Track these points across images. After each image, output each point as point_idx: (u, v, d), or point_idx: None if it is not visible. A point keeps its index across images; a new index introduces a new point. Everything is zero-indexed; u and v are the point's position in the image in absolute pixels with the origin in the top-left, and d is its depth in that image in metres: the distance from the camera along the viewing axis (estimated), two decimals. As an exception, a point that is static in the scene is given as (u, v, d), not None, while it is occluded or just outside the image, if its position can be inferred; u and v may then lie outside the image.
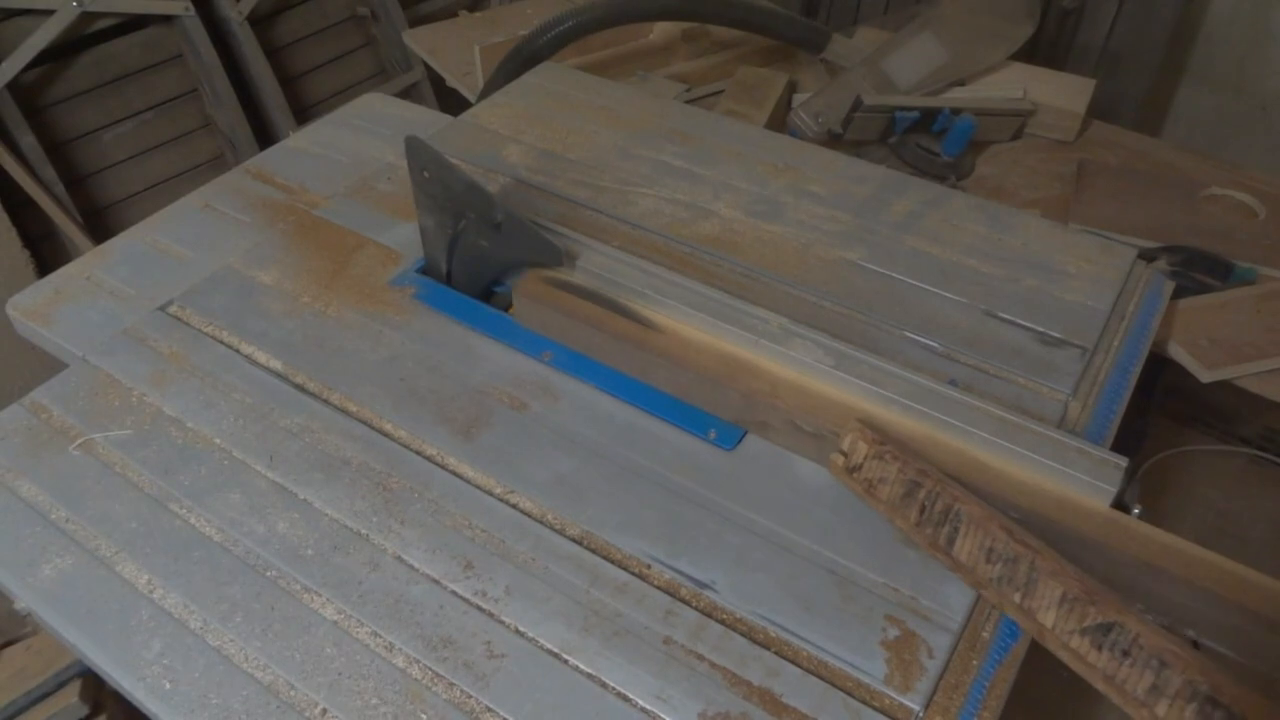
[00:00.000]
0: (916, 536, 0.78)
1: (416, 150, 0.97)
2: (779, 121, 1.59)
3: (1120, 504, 0.80)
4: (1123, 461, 0.81)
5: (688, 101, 1.62)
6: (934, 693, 0.72)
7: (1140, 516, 0.83)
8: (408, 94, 2.49)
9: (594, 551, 0.80)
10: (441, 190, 0.98)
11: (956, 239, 1.13)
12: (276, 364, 0.96)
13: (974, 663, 0.74)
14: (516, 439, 0.89)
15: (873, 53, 1.61)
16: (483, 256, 1.01)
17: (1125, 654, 0.66)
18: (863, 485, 0.81)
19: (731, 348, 0.93)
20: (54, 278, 1.10)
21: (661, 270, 0.99)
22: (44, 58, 1.94)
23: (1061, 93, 1.61)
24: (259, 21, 2.27)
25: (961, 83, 1.63)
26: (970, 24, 1.64)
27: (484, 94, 1.51)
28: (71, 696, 1.28)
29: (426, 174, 0.98)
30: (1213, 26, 2.34)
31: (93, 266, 1.11)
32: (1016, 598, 0.72)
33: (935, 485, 0.77)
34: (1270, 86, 2.32)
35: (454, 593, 0.77)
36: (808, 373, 0.90)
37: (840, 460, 0.83)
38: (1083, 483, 0.80)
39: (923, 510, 0.77)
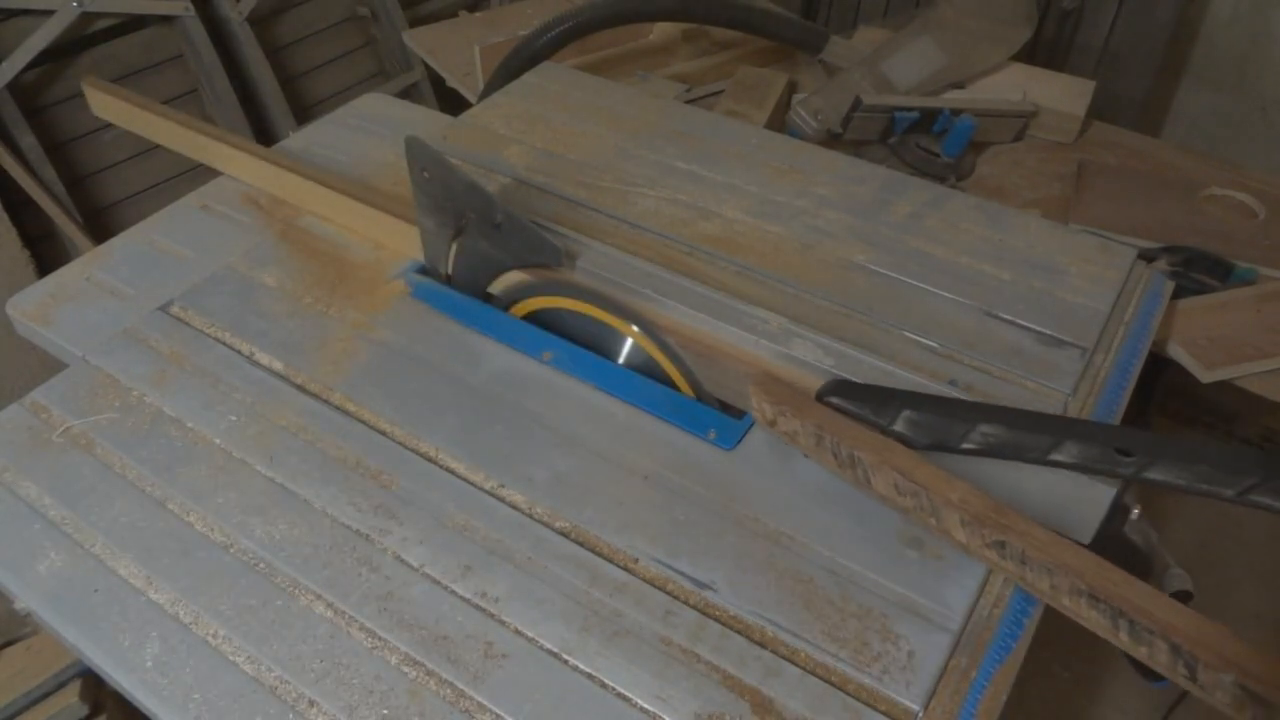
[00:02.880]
0: (844, 476, 0.82)
1: (416, 150, 0.97)
2: (779, 122, 1.59)
3: (1120, 504, 0.80)
4: (1122, 462, 0.81)
5: (688, 101, 1.62)
6: (933, 693, 0.72)
7: (1139, 517, 0.83)
8: (408, 94, 2.49)
9: (593, 551, 0.80)
10: (441, 190, 0.98)
11: (957, 239, 1.13)
12: (278, 364, 0.96)
13: (973, 663, 0.74)
14: (516, 439, 0.89)
15: (871, 54, 1.62)
16: (483, 256, 1.01)
17: (1023, 562, 0.73)
18: (787, 437, 0.85)
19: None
20: (54, 278, 1.10)
21: (661, 270, 0.99)
22: (44, 58, 1.94)
23: (1061, 95, 1.61)
24: (259, 21, 2.27)
25: (960, 85, 1.63)
26: (968, 28, 1.64)
27: (484, 94, 1.51)
28: (71, 696, 1.28)
29: (426, 174, 0.98)
30: (1212, 27, 2.34)
31: (93, 266, 1.11)
32: (933, 521, 0.76)
33: (834, 435, 0.81)
34: (1270, 86, 2.32)
35: (453, 592, 0.77)
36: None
37: (760, 415, 0.87)
38: (1082, 483, 0.80)
39: (835, 456, 0.81)
